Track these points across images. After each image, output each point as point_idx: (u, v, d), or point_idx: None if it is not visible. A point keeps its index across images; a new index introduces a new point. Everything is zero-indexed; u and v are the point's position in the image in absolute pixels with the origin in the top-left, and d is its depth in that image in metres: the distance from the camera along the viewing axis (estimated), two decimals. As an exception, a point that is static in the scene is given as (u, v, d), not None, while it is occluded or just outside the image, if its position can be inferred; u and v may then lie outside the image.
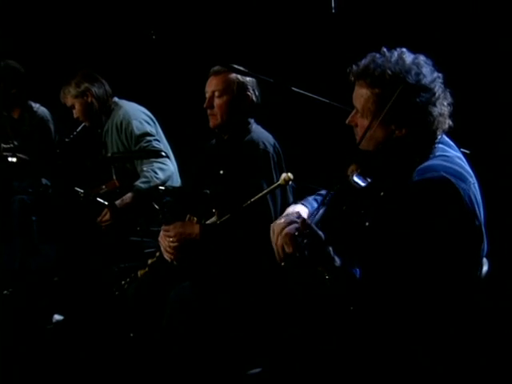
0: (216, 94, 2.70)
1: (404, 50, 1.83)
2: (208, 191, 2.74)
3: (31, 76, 4.22)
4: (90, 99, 3.57)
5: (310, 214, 1.75)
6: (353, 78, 1.86)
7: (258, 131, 2.75)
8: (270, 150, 2.66)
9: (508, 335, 2.60)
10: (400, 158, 1.84)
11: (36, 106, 4.27)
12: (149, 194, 3.31)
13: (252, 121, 2.76)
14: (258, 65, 2.77)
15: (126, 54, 4.27)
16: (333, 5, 3.28)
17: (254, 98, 2.73)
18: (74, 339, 3.27)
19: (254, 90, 2.72)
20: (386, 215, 1.78)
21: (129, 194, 3.39)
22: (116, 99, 3.67)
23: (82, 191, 3.40)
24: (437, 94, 1.80)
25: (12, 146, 3.96)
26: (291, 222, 1.69)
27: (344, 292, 1.76)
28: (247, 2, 3.72)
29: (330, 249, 1.69)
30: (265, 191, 2.13)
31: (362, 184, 1.82)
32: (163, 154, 3.37)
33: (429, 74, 1.80)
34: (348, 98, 1.92)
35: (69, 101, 3.60)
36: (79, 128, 3.50)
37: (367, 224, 1.81)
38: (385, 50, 1.83)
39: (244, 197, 2.28)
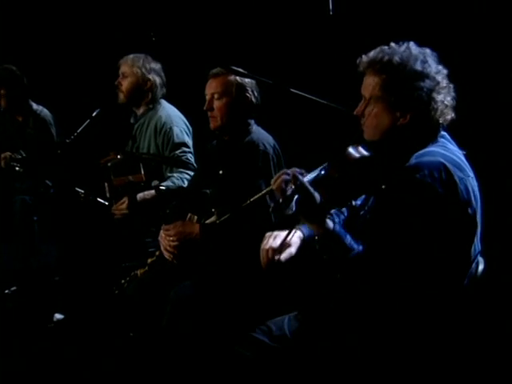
0: (215, 96, 2.71)
1: (412, 43, 1.87)
2: (208, 191, 2.76)
3: (33, 78, 4.25)
4: (147, 86, 3.45)
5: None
6: (362, 68, 1.90)
7: (258, 132, 2.76)
8: (270, 151, 2.67)
9: (506, 334, 2.61)
10: (402, 146, 1.87)
11: (39, 108, 4.29)
12: (168, 199, 3.27)
13: (252, 122, 2.77)
14: (256, 66, 2.78)
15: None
16: (330, 7, 3.30)
17: (253, 100, 2.74)
18: (74, 338, 3.29)
19: (253, 92, 2.73)
20: (382, 197, 1.82)
21: (151, 192, 3.27)
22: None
23: (82, 191, 3.41)
24: (441, 84, 1.84)
25: (20, 157, 3.98)
26: (283, 174, 1.83)
27: (332, 255, 1.79)
28: (246, 4, 3.73)
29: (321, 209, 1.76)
30: (264, 191, 2.15)
31: (357, 155, 1.86)
32: (192, 167, 3.31)
33: (434, 64, 1.85)
34: (347, 99, 1.94)
35: (127, 70, 3.45)
36: (80, 128, 3.48)
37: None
38: (393, 44, 1.88)
39: (243, 197, 2.29)
